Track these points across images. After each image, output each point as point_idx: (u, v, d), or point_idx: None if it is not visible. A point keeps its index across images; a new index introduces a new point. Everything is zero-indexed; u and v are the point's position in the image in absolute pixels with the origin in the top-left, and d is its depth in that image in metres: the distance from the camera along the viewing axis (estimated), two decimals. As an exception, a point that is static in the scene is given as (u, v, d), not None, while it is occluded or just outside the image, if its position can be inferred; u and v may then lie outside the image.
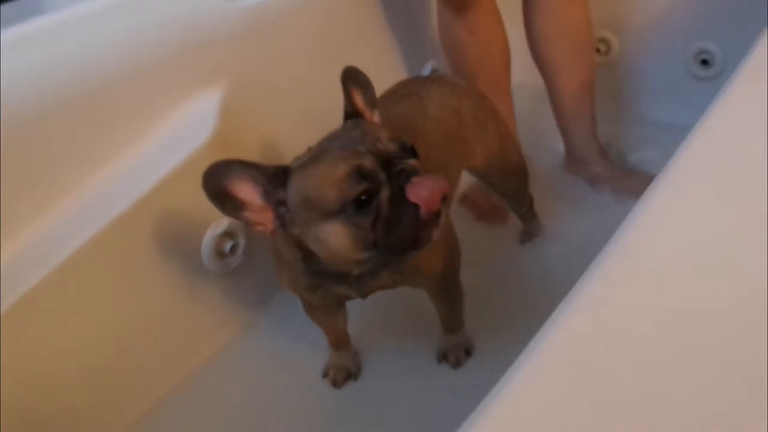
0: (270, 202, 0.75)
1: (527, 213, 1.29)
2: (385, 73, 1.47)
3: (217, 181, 0.72)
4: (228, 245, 1.13)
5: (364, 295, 0.90)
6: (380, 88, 1.11)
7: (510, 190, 1.23)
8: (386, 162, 0.74)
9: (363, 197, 0.72)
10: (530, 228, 1.30)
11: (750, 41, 0.89)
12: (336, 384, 1.07)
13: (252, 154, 1.17)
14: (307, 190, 0.74)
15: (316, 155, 0.75)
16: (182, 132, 1.06)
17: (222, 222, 1.11)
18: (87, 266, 0.95)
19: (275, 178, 0.75)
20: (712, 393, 0.44)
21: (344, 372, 1.07)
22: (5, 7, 1.03)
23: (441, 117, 1.03)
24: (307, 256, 0.81)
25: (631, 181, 1.34)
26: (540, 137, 1.54)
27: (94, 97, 0.97)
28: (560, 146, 1.47)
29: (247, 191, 0.74)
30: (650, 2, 1.59)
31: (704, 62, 1.56)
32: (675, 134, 0.76)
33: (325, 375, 1.08)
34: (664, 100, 1.60)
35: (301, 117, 1.23)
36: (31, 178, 0.92)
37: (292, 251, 0.82)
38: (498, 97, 1.34)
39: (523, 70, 1.48)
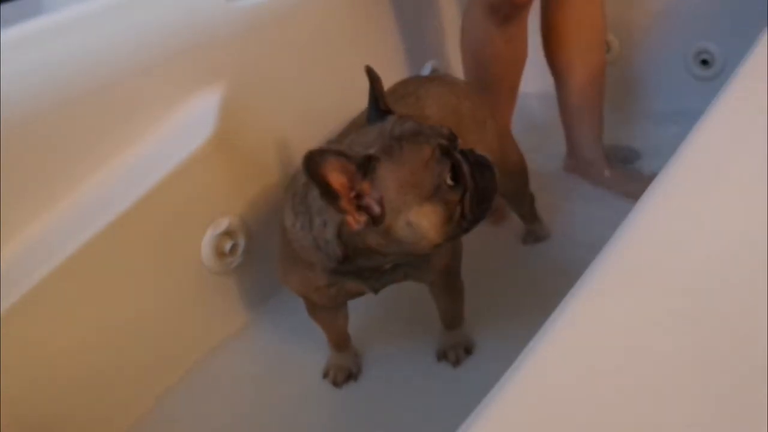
0: (352, 193, 0.73)
1: (528, 213, 1.29)
2: (385, 72, 1.46)
3: (316, 168, 0.70)
4: (228, 245, 1.13)
5: (376, 290, 0.91)
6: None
7: (510, 190, 1.23)
8: (450, 141, 0.78)
9: (452, 174, 0.76)
10: (535, 230, 1.30)
11: (750, 41, 0.89)
12: (336, 384, 1.07)
13: (252, 154, 1.17)
14: (404, 175, 0.74)
15: (391, 142, 0.75)
16: (182, 132, 1.06)
17: (222, 222, 1.11)
18: (87, 266, 0.95)
19: (362, 166, 0.73)
20: (712, 393, 0.44)
21: (344, 372, 1.07)
22: (5, 7, 1.03)
23: (439, 116, 1.03)
24: (356, 252, 0.79)
25: (631, 184, 1.34)
26: (542, 138, 1.54)
27: (94, 97, 0.97)
28: (561, 147, 1.47)
29: (336, 179, 0.72)
30: (650, 2, 1.59)
31: (704, 62, 1.56)
32: (675, 134, 0.76)
33: (325, 375, 1.08)
34: (663, 100, 1.60)
35: (300, 117, 1.24)
36: (31, 178, 0.92)
37: (328, 250, 0.80)
38: (511, 100, 1.37)
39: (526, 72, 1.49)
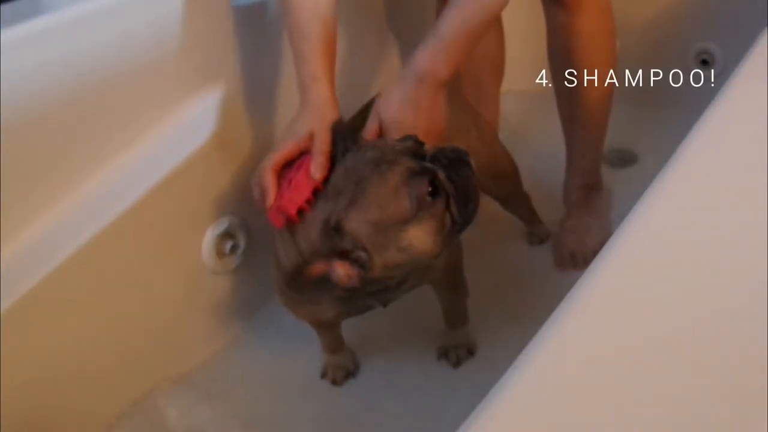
0: (339, 257, 0.75)
1: (527, 214, 1.29)
2: (384, 73, 1.47)
3: (302, 280, 0.74)
4: (228, 245, 1.13)
5: (385, 304, 0.91)
6: (379, 88, 1.11)
7: (503, 194, 1.22)
8: (416, 155, 0.78)
9: (429, 188, 0.76)
10: (536, 230, 1.30)
11: (750, 41, 0.89)
12: (336, 383, 1.07)
13: (252, 154, 1.17)
14: (374, 216, 0.75)
15: (354, 189, 0.76)
16: (182, 132, 1.06)
17: (222, 222, 1.11)
18: (87, 266, 0.95)
19: (330, 240, 0.76)
20: (712, 393, 0.44)
21: (343, 371, 1.07)
22: (5, 7, 1.03)
23: None
24: (365, 281, 0.79)
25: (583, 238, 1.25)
26: (540, 139, 1.54)
27: (94, 97, 0.97)
28: (559, 147, 1.46)
29: (321, 267, 0.75)
30: (650, 2, 1.59)
31: (704, 62, 1.56)
32: (675, 134, 0.76)
33: (323, 375, 1.08)
34: (663, 100, 1.60)
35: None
36: (31, 178, 0.92)
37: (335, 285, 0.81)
38: (481, 102, 1.32)
39: (517, 76, 1.49)
